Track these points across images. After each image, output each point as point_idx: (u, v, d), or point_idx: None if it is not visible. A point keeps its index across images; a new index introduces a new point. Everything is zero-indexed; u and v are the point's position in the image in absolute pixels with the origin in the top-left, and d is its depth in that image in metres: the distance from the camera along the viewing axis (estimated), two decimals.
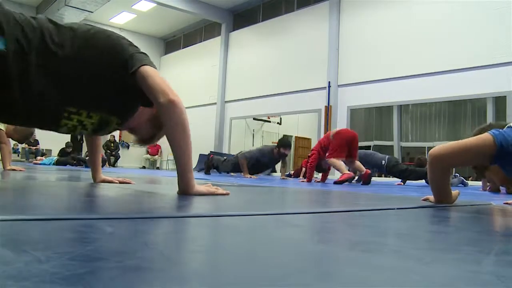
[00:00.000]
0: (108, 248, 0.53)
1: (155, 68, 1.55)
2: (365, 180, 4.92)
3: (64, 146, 11.32)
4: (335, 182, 4.71)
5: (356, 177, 6.55)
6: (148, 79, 1.47)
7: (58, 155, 8.42)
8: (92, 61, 1.47)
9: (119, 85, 1.52)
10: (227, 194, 1.58)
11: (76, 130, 1.64)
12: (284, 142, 6.76)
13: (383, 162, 5.70)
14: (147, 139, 1.86)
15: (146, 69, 1.49)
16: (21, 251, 0.47)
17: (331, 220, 1.04)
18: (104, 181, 2.14)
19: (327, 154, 5.07)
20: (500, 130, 1.42)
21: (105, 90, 1.53)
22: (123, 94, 1.56)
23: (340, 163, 4.93)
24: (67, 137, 11.27)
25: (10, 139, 4.14)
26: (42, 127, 1.66)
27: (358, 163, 5.07)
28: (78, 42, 1.46)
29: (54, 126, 1.60)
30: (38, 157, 9.51)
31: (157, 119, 1.69)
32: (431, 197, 1.67)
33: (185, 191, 1.50)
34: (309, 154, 5.51)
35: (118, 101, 1.59)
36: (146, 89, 1.48)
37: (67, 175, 3.34)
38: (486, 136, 1.41)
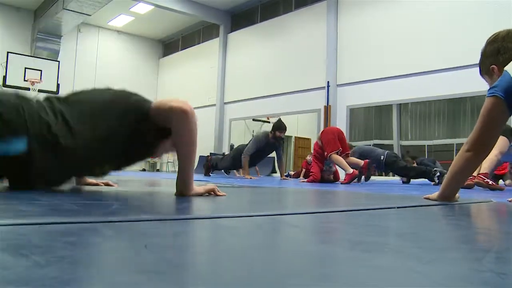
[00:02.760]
0: (108, 252, 0.53)
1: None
2: (365, 171, 4.92)
3: None
4: (342, 183, 4.70)
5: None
6: (160, 101, 1.61)
7: None
8: (108, 125, 1.55)
9: (139, 132, 1.59)
10: (223, 195, 1.59)
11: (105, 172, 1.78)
12: (278, 124, 6.47)
13: (382, 157, 5.63)
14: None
15: (155, 102, 1.62)
16: (21, 256, 0.46)
17: (331, 220, 1.04)
18: (89, 183, 2.11)
19: (325, 153, 5.08)
20: (493, 88, 1.46)
21: (128, 146, 1.60)
22: (144, 140, 1.64)
23: (342, 159, 4.95)
24: None
25: None
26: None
27: (354, 158, 5.09)
28: (92, 118, 1.54)
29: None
30: None
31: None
32: (432, 195, 1.67)
33: (183, 193, 1.52)
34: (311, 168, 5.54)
35: (141, 149, 1.69)
36: (159, 108, 1.57)
37: None
38: (489, 100, 1.45)
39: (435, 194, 1.66)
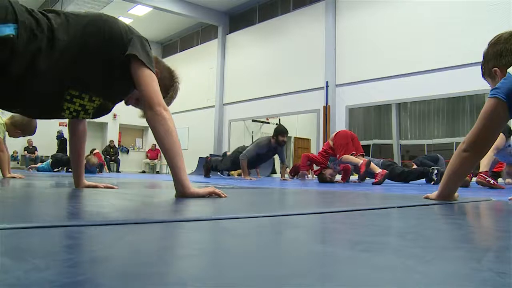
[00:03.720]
0: (107, 254, 0.53)
1: (152, 62, 1.61)
2: (362, 171, 4.98)
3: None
4: (360, 177, 4.97)
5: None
6: (145, 82, 1.55)
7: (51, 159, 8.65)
8: (93, 45, 1.54)
9: (119, 68, 1.58)
10: (225, 197, 1.58)
11: (79, 115, 1.70)
12: (280, 129, 6.44)
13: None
14: None
15: (144, 69, 1.55)
16: (20, 259, 0.46)
17: (332, 221, 1.04)
18: (88, 186, 2.09)
19: (337, 155, 5.19)
20: (495, 89, 1.45)
21: (104, 74, 1.59)
22: (122, 77, 1.61)
23: (351, 157, 5.09)
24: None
25: (9, 143, 4.12)
26: (44, 114, 1.69)
27: (353, 158, 5.16)
28: (79, 28, 1.53)
29: (57, 110, 1.65)
30: (32, 164, 9.56)
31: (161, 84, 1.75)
32: (431, 195, 1.68)
33: (182, 193, 1.51)
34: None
35: (117, 84, 1.65)
36: (141, 90, 1.56)
37: (66, 181, 3.34)
38: (490, 101, 1.44)
39: (434, 194, 1.66)
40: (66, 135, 11.23)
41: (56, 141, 12.56)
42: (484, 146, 1.52)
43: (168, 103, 1.78)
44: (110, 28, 1.58)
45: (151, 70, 1.58)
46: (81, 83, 1.58)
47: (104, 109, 1.76)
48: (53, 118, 1.76)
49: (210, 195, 1.56)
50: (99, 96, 1.66)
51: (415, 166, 5.95)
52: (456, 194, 1.66)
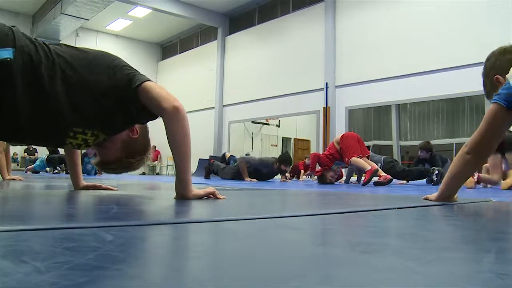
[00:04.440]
0: (108, 257, 0.53)
1: (147, 78, 1.59)
2: (368, 177, 4.91)
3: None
4: (363, 184, 4.69)
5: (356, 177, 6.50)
6: (152, 90, 1.52)
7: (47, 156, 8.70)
8: (96, 80, 1.50)
9: (122, 104, 1.54)
10: (223, 198, 1.59)
11: (80, 147, 1.69)
12: (285, 159, 6.64)
13: (379, 165, 5.62)
14: (109, 162, 1.80)
15: (149, 83, 1.54)
16: (20, 262, 0.46)
17: (331, 222, 1.04)
18: (87, 187, 2.07)
19: (346, 159, 5.09)
20: (497, 95, 1.47)
21: (109, 110, 1.55)
22: (125, 113, 1.58)
23: (361, 160, 5.00)
24: None
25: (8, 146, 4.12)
26: (44, 145, 1.67)
27: (362, 161, 5.05)
28: (81, 63, 1.50)
29: (59, 145, 1.64)
30: (29, 166, 9.56)
31: (130, 146, 1.74)
32: (431, 196, 1.68)
33: (183, 195, 1.51)
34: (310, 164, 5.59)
35: (120, 120, 1.62)
36: (150, 100, 1.51)
37: (66, 183, 3.34)
38: (492, 106, 1.47)
39: (434, 195, 1.67)
40: None
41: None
42: (485, 149, 1.54)
43: (133, 166, 1.79)
44: (114, 66, 1.55)
45: (150, 81, 1.57)
46: (84, 120, 1.55)
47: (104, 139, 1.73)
48: (55, 147, 1.75)
49: (209, 196, 1.56)
50: (101, 131, 1.64)
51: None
52: (455, 196, 1.66)
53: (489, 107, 1.50)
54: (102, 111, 1.54)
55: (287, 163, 6.59)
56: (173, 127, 1.52)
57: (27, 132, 1.49)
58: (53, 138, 1.60)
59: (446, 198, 1.62)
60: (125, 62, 1.63)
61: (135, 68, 1.63)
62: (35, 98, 1.40)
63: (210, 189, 1.59)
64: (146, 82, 1.53)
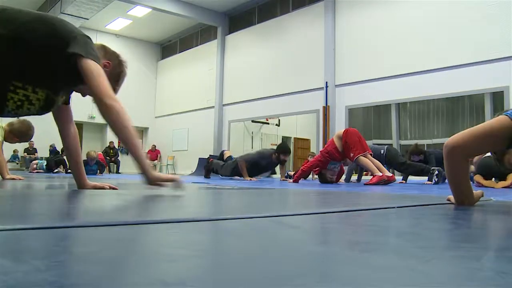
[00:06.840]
0: (108, 255, 0.53)
1: (98, 58, 1.67)
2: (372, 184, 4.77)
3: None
4: (366, 184, 4.55)
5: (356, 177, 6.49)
6: (92, 77, 1.61)
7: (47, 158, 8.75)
8: (34, 39, 1.58)
9: (61, 63, 1.62)
10: (183, 189, 1.73)
11: (24, 105, 1.70)
12: (284, 148, 6.57)
13: (382, 151, 5.58)
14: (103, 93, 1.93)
15: (91, 65, 1.62)
16: (20, 261, 0.46)
17: (331, 221, 1.04)
18: (95, 187, 2.07)
19: (351, 155, 4.86)
20: (507, 111, 1.36)
21: (46, 67, 1.63)
22: (64, 73, 1.65)
23: (369, 162, 4.78)
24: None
25: (6, 144, 4.12)
26: None
27: (376, 163, 4.85)
28: (18, 22, 1.57)
29: (1, 100, 1.66)
30: (33, 164, 9.59)
31: (112, 75, 1.83)
32: (453, 198, 1.52)
33: (146, 177, 1.67)
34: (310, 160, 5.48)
35: (59, 78, 1.69)
36: (90, 85, 1.61)
37: (66, 183, 3.34)
38: (502, 117, 1.35)
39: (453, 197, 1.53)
40: (58, 148, 11.31)
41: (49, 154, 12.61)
42: (468, 154, 1.41)
43: (117, 91, 1.89)
44: (52, 25, 1.63)
45: (97, 64, 1.64)
46: (23, 74, 1.62)
47: (51, 103, 1.79)
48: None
49: (172, 181, 1.71)
50: (42, 88, 1.69)
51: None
52: (478, 193, 1.51)
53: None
54: (37, 67, 1.61)
55: (286, 153, 6.47)
56: (111, 123, 1.64)
57: None
58: None
59: (467, 200, 1.46)
60: (68, 23, 1.71)
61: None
62: None
63: (175, 176, 1.68)
64: (89, 63, 1.61)
